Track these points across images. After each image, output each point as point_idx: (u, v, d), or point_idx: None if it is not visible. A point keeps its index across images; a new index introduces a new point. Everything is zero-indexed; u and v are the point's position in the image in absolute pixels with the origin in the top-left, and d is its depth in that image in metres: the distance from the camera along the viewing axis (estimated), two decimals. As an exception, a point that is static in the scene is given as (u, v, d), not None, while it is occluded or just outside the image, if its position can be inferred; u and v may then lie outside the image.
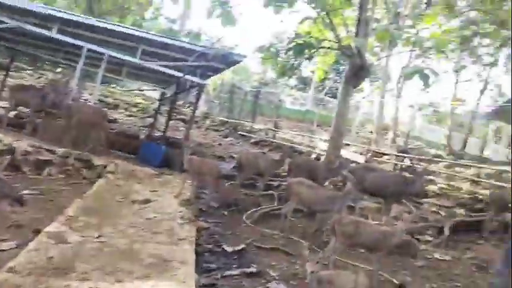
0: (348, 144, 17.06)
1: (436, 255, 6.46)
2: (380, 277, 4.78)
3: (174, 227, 5.27)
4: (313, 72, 25.76)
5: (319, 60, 17.26)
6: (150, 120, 15.34)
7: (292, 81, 35.18)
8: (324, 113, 25.71)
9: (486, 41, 19.68)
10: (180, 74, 9.79)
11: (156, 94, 20.47)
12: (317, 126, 22.73)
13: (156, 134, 12.70)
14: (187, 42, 10.56)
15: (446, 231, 7.49)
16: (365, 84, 28.54)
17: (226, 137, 18.84)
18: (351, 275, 4.16)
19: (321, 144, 16.72)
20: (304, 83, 34.91)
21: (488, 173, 13.57)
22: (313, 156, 15.64)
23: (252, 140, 18.69)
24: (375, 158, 15.42)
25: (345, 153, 13.76)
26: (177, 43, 9.57)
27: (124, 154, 9.76)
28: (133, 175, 7.81)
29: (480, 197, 10.67)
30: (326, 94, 31.20)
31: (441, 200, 10.74)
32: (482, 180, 12.66)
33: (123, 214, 5.54)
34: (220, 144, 16.08)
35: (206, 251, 5.00)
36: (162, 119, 14.51)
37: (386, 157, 16.03)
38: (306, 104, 30.41)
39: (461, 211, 9.41)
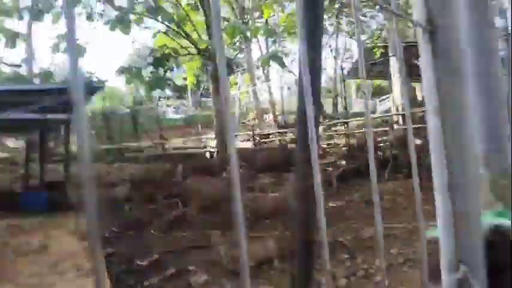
0: (236, 135, 17.73)
1: (331, 204, 7.26)
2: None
3: (80, 263, 5.04)
4: (185, 78, 25.98)
5: (187, 67, 17.55)
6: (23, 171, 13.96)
7: (168, 92, 34.85)
8: (208, 113, 26.17)
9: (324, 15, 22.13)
10: (36, 117, 9.17)
11: (22, 143, 18.56)
12: (204, 127, 23.07)
13: (34, 182, 11.68)
14: (37, 84, 9.95)
15: (334, 183, 8.48)
16: (237, 78, 29.78)
17: (114, 163, 18.02)
18: (260, 243, 4.55)
19: (210, 142, 17.09)
20: (180, 90, 34.85)
21: (358, 124, 15.50)
22: (207, 154, 15.99)
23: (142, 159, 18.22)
24: (262, 141, 16.36)
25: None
26: (25, 87, 8.96)
27: (3, 212, 8.82)
28: (18, 229, 7.14)
29: (354, 145, 12.17)
30: (202, 96, 31.67)
31: (326, 158, 11.96)
32: (354, 131, 14.37)
33: (20, 268, 5.10)
34: (109, 172, 15.34)
35: (121, 272, 4.91)
36: (37, 166, 13.33)
37: (271, 136, 17.13)
38: (188, 109, 30.52)
39: (343, 162, 10.65)
